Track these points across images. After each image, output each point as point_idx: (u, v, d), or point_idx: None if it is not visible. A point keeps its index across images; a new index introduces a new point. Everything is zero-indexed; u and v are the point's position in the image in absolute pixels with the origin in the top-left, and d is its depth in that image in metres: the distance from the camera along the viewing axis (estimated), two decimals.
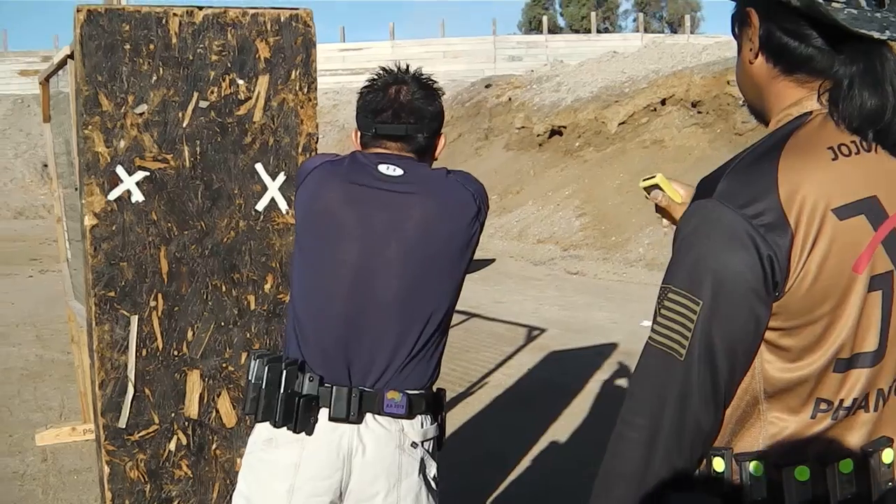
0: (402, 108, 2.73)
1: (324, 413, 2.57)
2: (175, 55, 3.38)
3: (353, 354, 2.60)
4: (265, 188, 3.50)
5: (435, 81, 2.88)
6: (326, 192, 2.68)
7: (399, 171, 2.68)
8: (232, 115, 3.46)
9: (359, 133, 2.82)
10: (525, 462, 5.96)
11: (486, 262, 15.39)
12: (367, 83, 2.82)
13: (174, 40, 3.38)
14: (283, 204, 3.53)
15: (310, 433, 2.57)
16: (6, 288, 13.36)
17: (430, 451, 2.70)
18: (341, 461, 2.57)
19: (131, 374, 3.37)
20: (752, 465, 1.57)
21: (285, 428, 2.56)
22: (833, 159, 1.53)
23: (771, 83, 1.66)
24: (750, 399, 1.58)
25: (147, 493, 3.42)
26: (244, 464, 2.72)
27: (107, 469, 3.39)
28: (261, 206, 3.50)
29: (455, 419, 6.72)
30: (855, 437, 1.58)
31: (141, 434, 3.42)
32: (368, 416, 2.58)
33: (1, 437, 6.87)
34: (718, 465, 1.60)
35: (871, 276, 1.51)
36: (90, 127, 3.31)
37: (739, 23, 1.69)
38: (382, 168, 2.68)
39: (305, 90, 3.54)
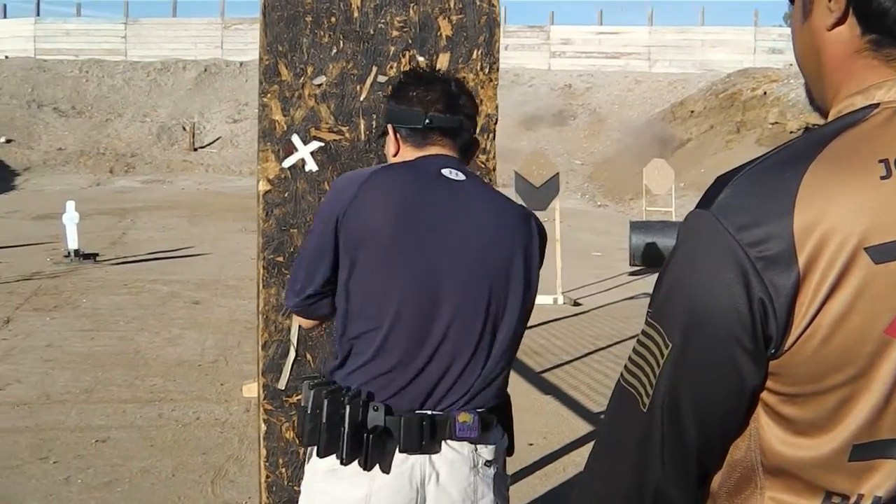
0: (456, 99, 2.62)
1: (392, 443, 2.42)
2: (356, 29, 3.44)
3: (419, 376, 2.45)
4: None
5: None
6: (387, 204, 2.49)
7: (462, 177, 2.55)
8: None
9: (397, 131, 2.66)
10: None
11: None
12: (402, 81, 2.71)
13: (356, 14, 3.43)
14: None
15: (385, 470, 2.42)
16: (248, 243, 13.95)
17: (503, 464, 2.59)
18: (414, 491, 2.43)
19: (294, 338, 3.47)
20: None
21: (354, 462, 2.42)
22: (883, 177, 1.10)
23: (847, 59, 1.23)
24: (745, 470, 1.23)
25: (300, 455, 3.51)
26: (304, 492, 2.60)
27: (263, 427, 3.51)
28: None
29: None
30: None
31: (300, 397, 3.50)
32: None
33: (213, 384, 7.28)
34: None
35: None
36: (269, 95, 3.42)
37: None
38: (445, 172, 2.54)
39: (487, 70, 3.53)
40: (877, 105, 1.18)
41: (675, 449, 1.22)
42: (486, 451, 2.50)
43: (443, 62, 3.48)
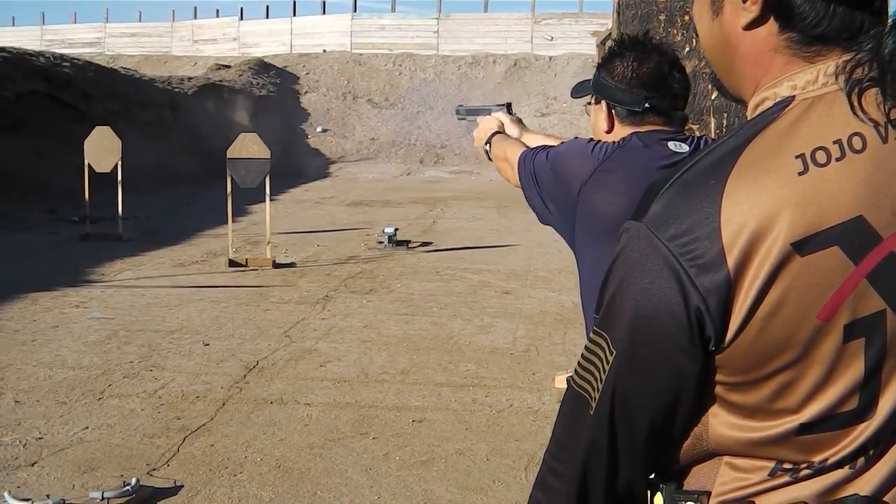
0: (675, 81, 2.61)
1: None
2: None
3: None
4: None
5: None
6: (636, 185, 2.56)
7: (685, 148, 2.56)
8: None
9: (608, 105, 2.66)
10: None
11: None
12: (617, 53, 2.66)
13: None
14: None
15: None
16: (555, 236, 14.06)
17: None
18: None
19: None
20: None
21: None
22: (801, 173, 1.16)
23: (765, 56, 1.28)
24: (702, 448, 1.31)
25: None
26: None
27: None
28: None
29: None
30: (817, 495, 1.24)
31: None
32: None
33: (525, 373, 7.41)
34: (658, 501, 1.34)
35: (850, 323, 1.16)
36: None
37: None
38: (672, 146, 2.55)
39: None
40: (792, 98, 1.23)
41: (625, 444, 1.30)
42: None
43: None
